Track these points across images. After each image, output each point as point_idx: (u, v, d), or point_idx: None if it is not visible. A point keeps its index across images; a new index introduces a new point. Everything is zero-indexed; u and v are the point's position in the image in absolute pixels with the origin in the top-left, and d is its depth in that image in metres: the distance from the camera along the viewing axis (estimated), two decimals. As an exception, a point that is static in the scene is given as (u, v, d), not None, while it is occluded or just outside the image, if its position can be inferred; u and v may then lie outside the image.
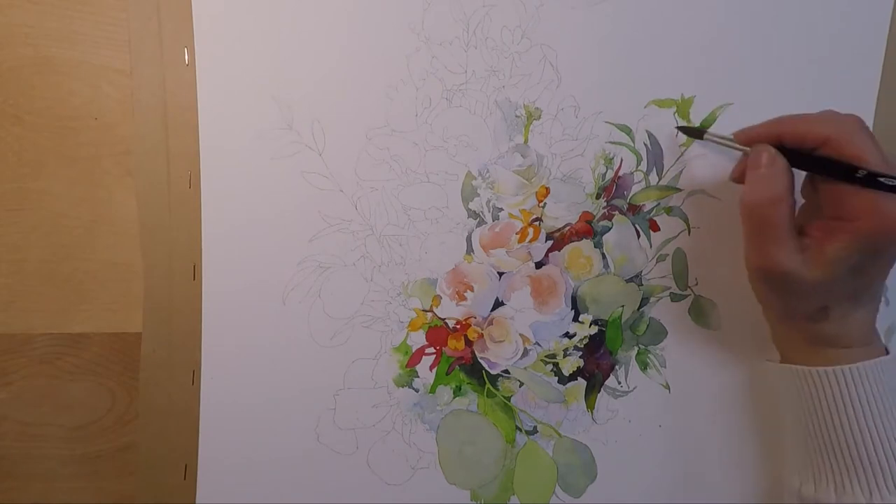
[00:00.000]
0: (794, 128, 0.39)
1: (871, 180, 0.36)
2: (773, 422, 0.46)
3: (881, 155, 0.36)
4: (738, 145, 0.41)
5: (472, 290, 0.47)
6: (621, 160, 0.46)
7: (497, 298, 0.47)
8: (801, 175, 0.40)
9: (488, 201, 0.46)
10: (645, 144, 0.46)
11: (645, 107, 0.46)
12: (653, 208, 0.47)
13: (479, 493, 0.47)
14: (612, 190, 0.46)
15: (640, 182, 0.46)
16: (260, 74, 0.45)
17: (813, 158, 0.38)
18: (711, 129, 0.44)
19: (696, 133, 0.44)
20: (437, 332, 0.47)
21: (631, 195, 0.46)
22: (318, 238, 0.46)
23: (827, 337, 0.39)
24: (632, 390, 0.47)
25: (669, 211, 0.46)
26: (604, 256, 0.47)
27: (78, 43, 0.45)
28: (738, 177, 0.41)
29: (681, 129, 0.45)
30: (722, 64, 0.45)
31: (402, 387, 0.47)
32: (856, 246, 0.36)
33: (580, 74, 0.46)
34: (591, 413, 0.47)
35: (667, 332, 0.47)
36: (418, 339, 0.47)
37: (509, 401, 0.47)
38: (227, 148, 0.45)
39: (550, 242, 0.47)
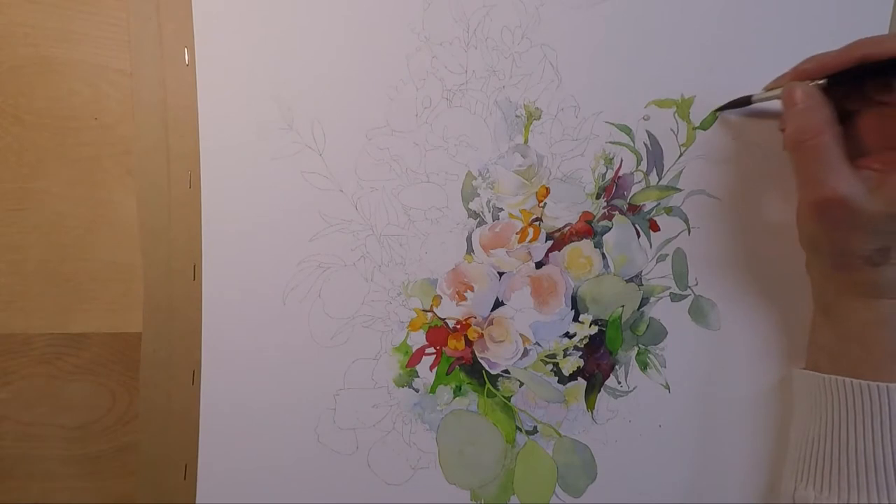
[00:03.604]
0: (843, 49, 0.38)
1: None
2: (772, 422, 0.46)
3: None
4: (779, 94, 0.40)
5: (472, 290, 0.47)
6: (621, 160, 0.46)
7: (497, 298, 0.47)
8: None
9: (488, 201, 0.46)
10: (645, 144, 0.46)
11: (645, 107, 0.46)
12: (653, 208, 0.47)
13: (479, 493, 0.47)
14: (612, 190, 0.46)
15: (640, 182, 0.46)
16: (260, 74, 0.45)
17: (862, 68, 0.37)
18: (754, 94, 0.43)
19: (741, 103, 0.44)
20: (438, 332, 0.47)
21: (631, 195, 0.46)
22: (318, 238, 0.46)
23: (884, 285, 0.37)
24: (632, 390, 0.47)
25: (669, 211, 0.46)
26: (604, 256, 0.47)
27: (78, 43, 0.45)
28: (783, 125, 0.40)
29: (723, 108, 0.45)
30: (722, 64, 0.45)
31: (403, 387, 0.47)
32: None
33: (580, 74, 0.46)
34: (591, 413, 0.47)
35: (667, 332, 0.47)
36: (418, 339, 0.47)
37: (509, 401, 0.47)
38: (227, 148, 0.45)
39: (550, 242, 0.47)
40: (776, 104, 0.41)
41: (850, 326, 0.39)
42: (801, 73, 0.40)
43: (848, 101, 0.39)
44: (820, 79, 0.38)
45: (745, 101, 0.44)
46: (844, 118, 0.39)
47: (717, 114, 0.45)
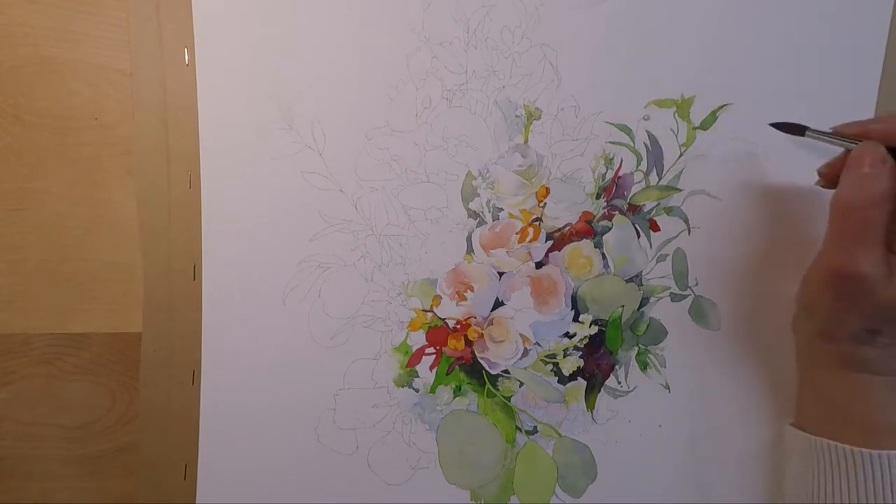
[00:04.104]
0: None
1: None
2: (772, 422, 0.46)
3: None
4: (843, 140, 0.39)
5: (472, 290, 0.47)
6: (621, 160, 0.46)
7: (497, 298, 0.47)
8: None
9: (488, 201, 0.46)
10: (645, 144, 0.46)
11: (645, 107, 0.46)
12: (653, 208, 0.47)
13: (479, 493, 0.47)
14: (612, 190, 0.46)
15: (640, 182, 0.46)
16: (260, 74, 0.45)
17: None
18: (812, 128, 0.41)
19: (794, 130, 0.42)
20: (437, 332, 0.47)
21: (631, 195, 0.46)
22: (318, 238, 0.46)
23: (864, 361, 0.38)
24: (632, 390, 0.47)
25: (669, 211, 0.46)
26: (604, 256, 0.47)
27: (78, 43, 0.45)
28: (830, 174, 0.39)
29: (775, 125, 0.43)
30: (722, 64, 0.45)
31: (402, 387, 0.47)
32: None
33: (580, 74, 0.46)
34: (591, 413, 0.47)
35: (667, 332, 0.47)
36: (418, 339, 0.47)
37: (509, 401, 0.47)
38: (227, 148, 0.45)
39: (550, 242, 0.47)
40: (798, 141, 0.39)
41: (831, 395, 0.39)
42: (868, 132, 0.38)
43: None
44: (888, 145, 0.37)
45: (798, 130, 0.42)
46: None
47: (771, 126, 0.44)
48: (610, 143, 0.46)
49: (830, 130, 0.40)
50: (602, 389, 0.47)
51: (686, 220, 0.46)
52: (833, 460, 0.38)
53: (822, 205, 0.39)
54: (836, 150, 0.40)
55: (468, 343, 0.47)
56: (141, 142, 0.45)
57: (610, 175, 0.46)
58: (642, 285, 0.47)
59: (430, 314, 0.47)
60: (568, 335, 0.47)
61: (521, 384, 0.47)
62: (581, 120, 0.46)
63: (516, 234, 0.47)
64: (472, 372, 0.47)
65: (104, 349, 0.47)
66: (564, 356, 0.47)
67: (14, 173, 0.46)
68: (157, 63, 0.45)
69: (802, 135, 0.42)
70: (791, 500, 0.42)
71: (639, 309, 0.47)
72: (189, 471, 0.47)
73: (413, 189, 0.46)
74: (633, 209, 0.47)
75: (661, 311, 0.47)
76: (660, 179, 0.46)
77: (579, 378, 0.47)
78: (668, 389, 0.47)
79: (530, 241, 0.47)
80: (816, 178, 0.42)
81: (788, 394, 0.45)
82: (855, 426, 0.38)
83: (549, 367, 0.47)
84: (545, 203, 0.46)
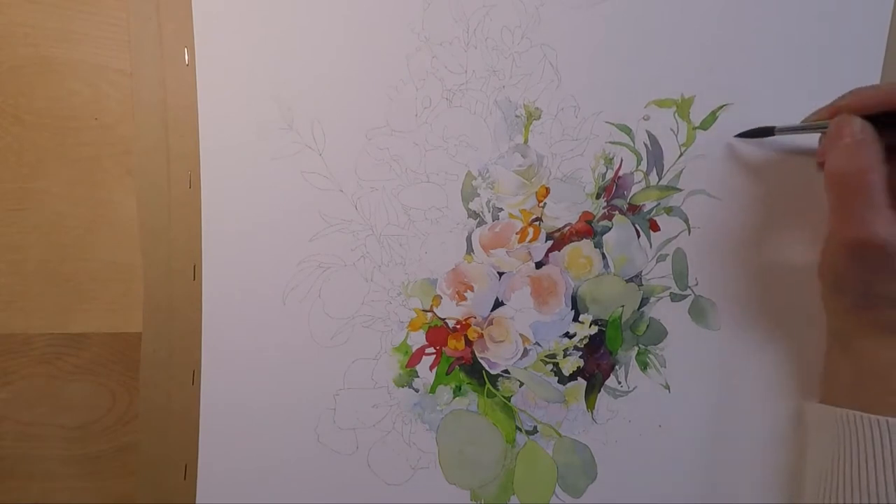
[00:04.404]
0: (884, 91, 0.37)
1: None
2: (772, 421, 0.46)
3: None
4: (814, 124, 0.39)
5: (472, 290, 0.47)
6: (621, 160, 0.46)
7: (497, 298, 0.47)
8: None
9: (488, 201, 0.46)
10: (645, 144, 0.46)
11: (645, 107, 0.46)
12: (653, 208, 0.47)
13: (479, 493, 0.47)
14: (612, 190, 0.46)
15: (640, 182, 0.46)
16: (260, 74, 0.45)
17: None
18: (778, 125, 0.42)
19: (762, 133, 0.43)
20: (437, 332, 0.47)
21: (631, 195, 0.46)
22: (318, 238, 0.46)
23: None
24: (632, 390, 0.47)
25: (669, 211, 0.46)
26: (604, 256, 0.47)
27: (78, 43, 0.45)
28: (823, 157, 0.39)
29: (741, 135, 0.44)
30: (722, 64, 0.45)
31: (402, 387, 0.47)
32: None
33: (580, 74, 0.46)
34: (591, 413, 0.47)
35: (667, 332, 0.47)
36: (418, 339, 0.47)
37: (509, 401, 0.47)
38: (227, 148, 0.45)
39: (550, 242, 0.47)
40: (796, 139, 0.39)
41: (871, 363, 0.39)
42: (839, 108, 0.38)
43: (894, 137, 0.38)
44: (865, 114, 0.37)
45: (767, 132, 0.43)
46: (890, 154, 0.38)
47: (735, 138, 0.45)
48: (610, 143, 0.46)
49: (800, 123, 0.40)
50: (602, 389, 0.47)
51: (686, 220, 0.46)
52: (866, 433, 0.37)
53: (821, 205, 0.39)
54: None
55: (468, 343, 0.47)
56: (141, 142, 0.45)
57: (610, 175, 0.46)
58: (642, 285, 0.47)
59: (430, 314, 0.47)
60: (568, 335, 0.47)
61: (521, 384, 0.47)
62: (581, 120, 0.46)
63: (516, 234, 0.47)
64: (472, 372, 0.47)
65: (104, 349, 0.47)
66: (564, 356, 0.47)
67: (14, 173, 0.46)
68: (157, 63, 0.45)
69: (772, 135, 0.42)
70: (811, 483, 0.41)
71: (639, 309, 0.47)
72: (189, 471, 0.47)
73: (413, 189, 0.46)
74: (633, 209, 0.47)
75: (661, 311, 0.47)
76: (660, 179, 0.46)
77: (579, 378, 0.47)
78: (668, 389, 0.47)
79: (530, 241, 0.47)
80: (815, 179, 0.42)
81: (789, 393, 0.45)
82: (893, 396, 0.37)
83: (549, 367, 0.47)
84: (545, 203, 0.46)
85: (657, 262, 0.47)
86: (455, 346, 0.47)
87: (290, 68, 0.45)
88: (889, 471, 0.36)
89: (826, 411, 0.40)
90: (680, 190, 0.46)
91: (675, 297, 0.47)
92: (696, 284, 0.47)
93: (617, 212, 0.47)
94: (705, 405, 0.47)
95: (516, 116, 0.46)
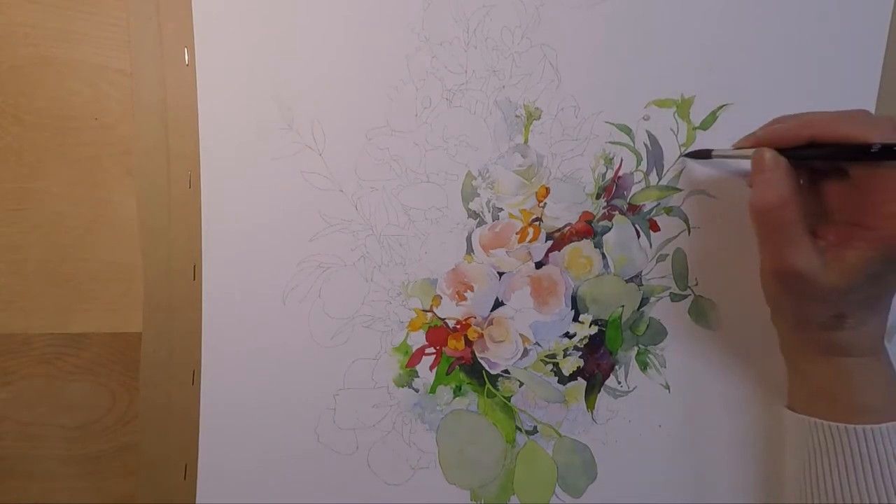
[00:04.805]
0: (796, 125, 0.38)
1: (888, 151, 0.34)
2: (771, 422, 0.46)
3: (892, 126, 0.35)
4: (741, 152, 0.41)
5: (472, 290, 0.47)
6: (621, 160, 0.46)
7: (497, 298, 0.47)
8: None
9: (488, 201, 0.46)
10: (645, 144, 0.46)
11: (645, 107, 0.46)
12: (653, 208, 0.47)
13: (479, 493, 0.47)
14: (612, 190, 0.46)
15: (640, 182, 0.46)
16: (260, 74, 0.45)
17: (820, 148, 0.37)
18: (716, 148, 0.44)
19: (702, 155, 0.44)
20: (437, 332, 0.47)
21: (631, 195, 0.46)
22: (318, 238, 0.46)
23: (840, 346, 0.39)
24: (632, 390, 0.47)
25: (669, 211, 0.46)
26: (604, 256, 0.47)
27: (78, 43, 0.45)
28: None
29: (687, 156, 0.46)
30: (722, 64, 0.45)
31: (402, 387, 0.47)
32: (878, 255, 0.36)
33: (580, 74, 0.46)
34: (591, 413, 0.47)
35: (667, 332, 0.47)
36: (418, 339, 0.47)
37: (509, 401, 0.47)
38: (227, 148, 0.45)
39: (550, 242, 0.47)
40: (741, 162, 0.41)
41: (815, 381, 0.40)
42: (759, 139, 0.40)
43: (814, 162, 0.39)
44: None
45: (705, 154, 0.44)
46: (815, 177, 0.40)
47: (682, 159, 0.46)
48: (610, 143, 0.46)
49: (732, 148, 0.42)
50: (602, 389, 0.47)
51: (686, 220, 0.46)
52: (824, 438, 0.39)
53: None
54: None
55: (468, 343, 0.47)
56: (141, 142, 0.45)
57: (610, 175, 0.46)
58: (642, 285, 0.47)
59: (430, 314, 0.47)
60: (568, 335, 0.47)
61: (521, 384, 0.47)
62: (581, 120, 0.46)
63: (516, 234, 0.47)
64: (472, 372, 0.47)
65: (104, 349, 0.47)
66: (564, 356, 0.47)
67: (14, 173, 0.46)
68: (157, 63, 0.45)
69: (710, 157, 0.44)
70: (790, 481, 0.42)
71: (639, 309, 0.47)
72: (189, 471, 0.47)
73: (413, 189, 0.46)
74: (633, 209, 0.47)
75: (661, 311, 0.47)
76: (660, 179, 0.46)
77: (579, 378, 0.47)
78: (668, 389, 0.47)
79: (530, 241, 0.47)
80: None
81: (787, 395, 0.45)
82: (840, 408, 0.39)
83: (549, 367, 0.47)
84: (545, 203, 0.46)
85: (657, 262, 0.47)
86: (455, 346, 0.47)
87: (290, 68, 0.45)
88: (847, 471, 0.38)
89: (791, 416, 0.42)
90: (680, 190, 0.46)
91: (675, 297, 0.47)
92: (696, 284, 0.47)
93: (617, 212, 0.47)
94: (705, 405, 0.47)
95: (516, 116, 0.46)
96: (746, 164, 0.40)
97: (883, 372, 0.39)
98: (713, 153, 0.44)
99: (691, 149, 0.46)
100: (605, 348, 0.47)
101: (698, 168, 0.46)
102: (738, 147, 0.41)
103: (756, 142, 0.40)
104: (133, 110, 0.45)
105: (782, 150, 0.38)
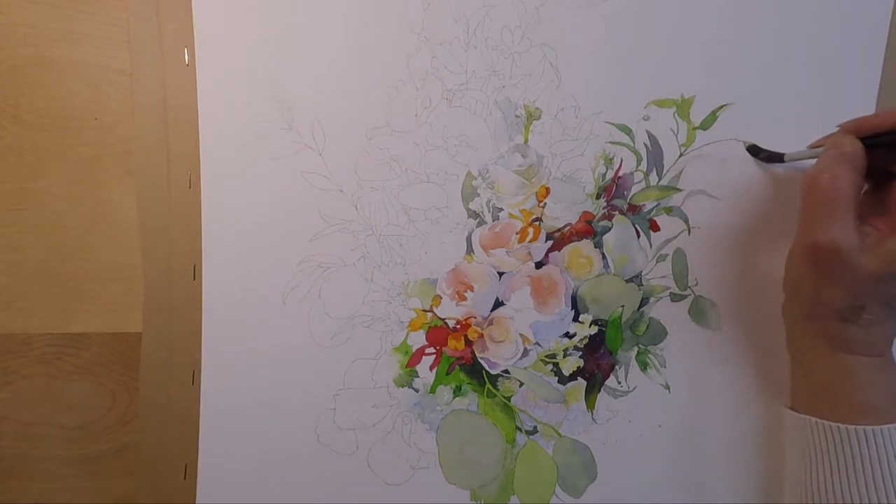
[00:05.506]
0: (879, 114, 0.38)
1: None
2: (771, 422, 0.46)
3: None
4: (816, 154, 0.40)
5: (472, 290, 0.47)
6: (621, 160, 0.46)
7: (497, 298, 0.47)
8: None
9: (488, 201, 0.46)
10: (645, 144, 0.46)
11: (645, 107, 0.46)
12: (653, 208, 0.47)
13: (479, 493, 0.47)
14: (612, 190, 0.46)
15: (640, 182, 0.46)
16: (260, 75, 0.45)
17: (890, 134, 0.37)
18: (787, 152, 0.43)
19: (774, 159, 0.44)
20: (437, 332, 0.47)
21: (631, 195, 0.46)
22: (318, 238, 0.46)
23: (849, 342, 0.39)
24: (632, 390, 0.47)
25: (669, 211, 0.46)
26: (604, 256, 0.47)
27: (78, 43, 0.45)
28: None
29: (760, 159, 0.45)
30: (722, 64, 0.45)
31: (402, 387, 0.47)
32: None
33: (580, 74, 0.46)
34: (591, 413, 0.47)
35: (667, 332, 0.47)
36: (418, 339, 0.47)
37: (509, 401, 0.47)
38: (227, 148, 0.45)
39: (550, 242, 0.47)
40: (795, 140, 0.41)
41: (819, 378, 0.40)
42: (841, 128, 0.40)
43: (892, 164, 0.40)
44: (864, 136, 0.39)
45: (777, 158, 0.44)
46: (884, 179, 0.40)
47: (753, 157, 0.45)
48: (610, 143, 0.46)
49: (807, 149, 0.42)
50: (602, 389, 0.47)
51: (686, 220, 0.46)
52: (824, 438, 0.39)
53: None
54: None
55: (468, 343, 0.47)
56: (141, 142, 0.45)
57: (610, 175, 0.46)
58: (642, 285, 0.47)
59: (430, 314, 0.47)
60: (568, 335, 0.47)
61: (521, 384, 0.47)
62: (581, 120, 0.46)
63: (516, 234, 0.47)
64: (472, 372, 0.47)
65: (104, 349, 0.47)
66: (564, 356, 0.47)
67: (14, 173, 0.46)
68: (157, 63, 0.45)
69: (782, 161, 0.43)
70: (790, 482, 0.42)
71: (639, 309, 0.47)
72: (189, 471, 0.47)
73: (413, 189, 0.46)
74: (633, 209, 0.47)
75: (661, 311, 0.47)
76: (660, 179, 0.46)
77: (579, 378, 0.47)
78: (668, 389, 0.47)
79: (530, 241, 0.47)
80: None
81: (787, 395, 0.45)
82: (842, 407, 0.39)
83: (549, 367, 0.47)
84: (545, 203, 0.46)
85: (657, 262, 0.47)
86: (455, 346, 0.47)
87: (290, 68, 0.45)
88: (847, 471, 0.38)
89: (792, 416, 0.42)
90: (680, 190, 0.46)
91: (675, 297, 0.47)
92: (696, 284, 0.47)
93: (617, 212, 0.47)
94: (705, 405, 0.47)
95: (516, 116, 0.46)
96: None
97: (888, 374, 0.39)
98: (786, 157, 0.43)
99: (691, 148, 0.46)
100: (605, 348, 0.47)
101: (698, 168, 0.46)
102: (814, 146, 0.41)
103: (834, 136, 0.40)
104: (133, 110, 0.45)
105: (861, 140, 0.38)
